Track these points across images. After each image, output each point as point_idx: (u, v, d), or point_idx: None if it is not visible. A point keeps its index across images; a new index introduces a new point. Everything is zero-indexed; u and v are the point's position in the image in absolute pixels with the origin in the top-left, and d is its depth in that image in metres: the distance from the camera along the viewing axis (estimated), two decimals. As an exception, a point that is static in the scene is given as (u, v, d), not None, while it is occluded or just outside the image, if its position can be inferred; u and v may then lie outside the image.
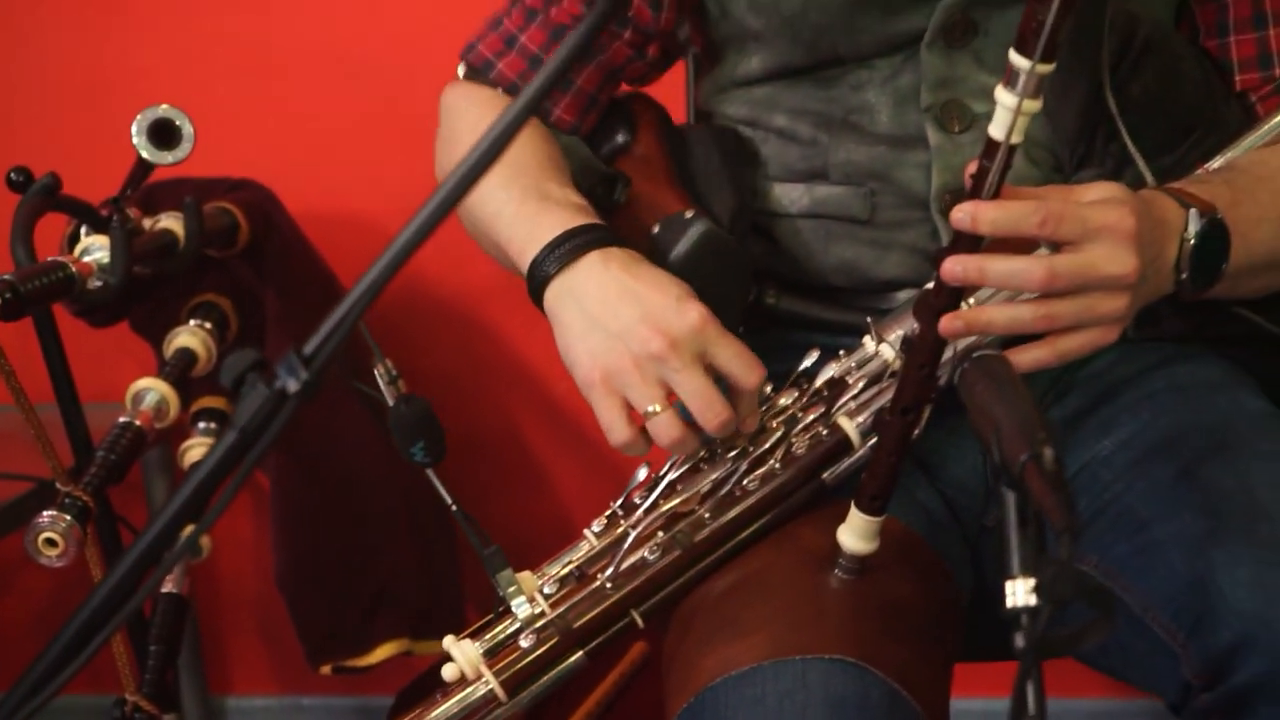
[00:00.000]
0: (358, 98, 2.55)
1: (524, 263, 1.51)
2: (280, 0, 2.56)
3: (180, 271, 2.05)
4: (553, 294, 1.48)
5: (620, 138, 1.69)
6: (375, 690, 2.73)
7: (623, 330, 1.42)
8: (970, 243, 1.32)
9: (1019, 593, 1.11)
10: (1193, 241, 1.38)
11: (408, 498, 2.32)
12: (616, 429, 1.44)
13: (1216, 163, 1.50)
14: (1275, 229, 1.45)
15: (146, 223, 2.03)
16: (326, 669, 2.29)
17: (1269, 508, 1.36)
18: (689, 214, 1.56)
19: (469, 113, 1.70)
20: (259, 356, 1.05)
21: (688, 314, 1.41)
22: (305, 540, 2.29)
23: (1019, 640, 1.02)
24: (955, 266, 1.30)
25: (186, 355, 2.16)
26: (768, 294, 1.62)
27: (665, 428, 1.42)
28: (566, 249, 1.48)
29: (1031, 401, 1.15)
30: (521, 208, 1.55)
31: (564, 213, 1.52)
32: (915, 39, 1.57)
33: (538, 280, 1.49)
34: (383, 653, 2.29)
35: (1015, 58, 1.23)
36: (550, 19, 1.70)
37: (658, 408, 1.42)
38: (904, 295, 1.60)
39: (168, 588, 2.05)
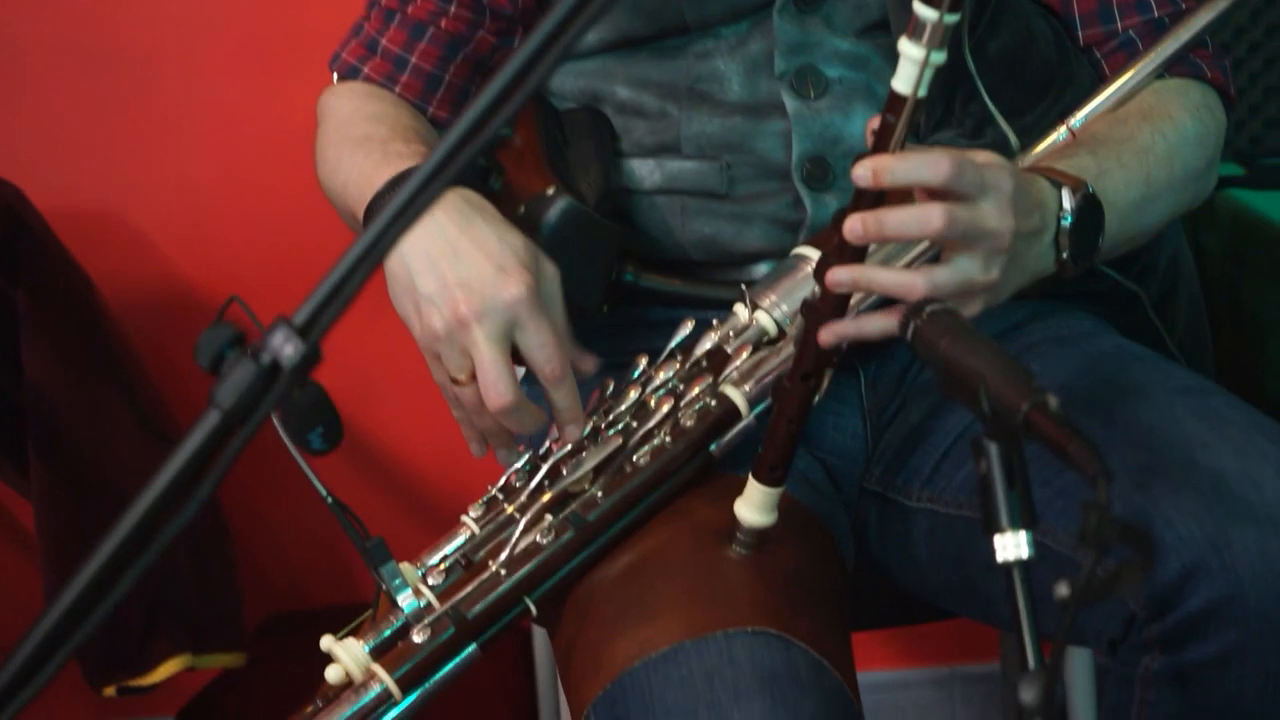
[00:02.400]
0: (103, 91, 2.42)
1: (360, 212, 1.47)
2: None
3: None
4: None
5: (501, 130, 1.63)
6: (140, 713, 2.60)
7: (437, 293, 1.39)
8: (870, 200, 1.30)
9: (1009, 547, 1.12)
10: (1069, 220, 1.38)
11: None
12: (446, 393, 1.43)
13: (1076, 119, 1.51)
14: (1142, 190, 1.47)
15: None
16: (110, 690, 2.15)
17: (1203, 436, 1.35)
18: (550, 191, 1.52)
19: (344, 104, 1.65)
20: (237, 331, 0.97)
21: (506, 287, 1.38)
22: (76, 555, 2.15)
23: (1062, 589, 0.99)
24: (855, 224, 1.28)
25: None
26: (627, 270, 1.58)
27: (462, 401, 1.41)
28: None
29: (1005, 352, 1.14)
30: (364, 167, 1.51)
31: (405, 163, 1.48)
32: (764, 4, 1.55)
33: (367, 216, 1.45)
34: (166, 670, 2.16)
35: (921, 8, 1.21)
36: (408, 17, 1.65)
37: (461, 378, 1.40)
38: (764, 267, 1.57)
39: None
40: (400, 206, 0.98)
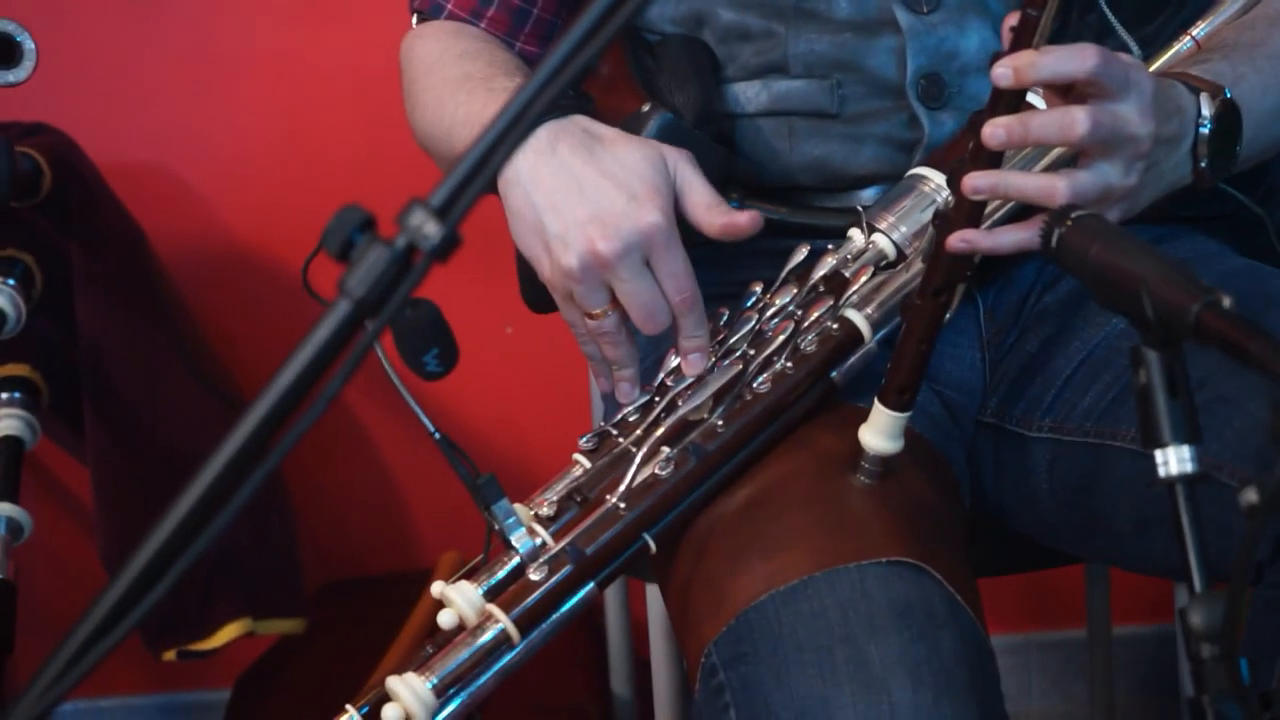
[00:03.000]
0: (157, 40, 2.35)
1: None
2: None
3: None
4: (504, 180, 1.38)
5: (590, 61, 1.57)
6: (175, 688, 2.53)
7: (569, 229, 1.33)
8: (1008, 103, 1.24)
9: (1172, 462, 1.06)
10: (1208, 127, 1.33)
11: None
12: (577, 330, 1.38)
13: (1200, 29, 1.45)
14: (1278, 97, 1.41)
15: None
16: (170, 655, 2.09)
17: None
18: (645, 108, 1.46)
19: (432, 46, 1.59)
20: (367, 214, 0.90)
21: (641, 216, 1.32)
22: (132, 516, 2.09)
23: (1250, 494, 0.93)
24: (998, 129, 1.23)
25: (-8, 316, 1.94)
26: (730, 198, 1.51)
27: (605, 332, 1.36)
28: None
29: (1163, 254, 1.08)
30: (471, 107, 1.46)
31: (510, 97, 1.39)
32: None
33: None
34: (226, 634, 2.11)
35: None
36: None
37: (602, 309, 1.35)
38: (874, 192, 1.51)
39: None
40: (541, 84, 0.92)
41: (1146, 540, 1.37)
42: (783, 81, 1.51)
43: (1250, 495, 0.95)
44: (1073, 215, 1.16)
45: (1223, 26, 1.45)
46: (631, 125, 1.43)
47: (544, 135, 1.36)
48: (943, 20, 1.48)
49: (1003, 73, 1.22)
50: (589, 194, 1.33)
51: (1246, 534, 0.95)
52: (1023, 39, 1.23)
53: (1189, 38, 1.45)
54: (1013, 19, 1.23)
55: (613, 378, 1.39)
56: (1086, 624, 2.16)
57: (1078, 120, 1.24)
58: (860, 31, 1.49)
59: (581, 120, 1.38)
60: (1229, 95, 1.33)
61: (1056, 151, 1.33)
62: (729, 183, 1.51)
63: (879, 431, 1.32)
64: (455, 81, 1.50)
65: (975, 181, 1.24)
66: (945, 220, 1.27)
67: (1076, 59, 1.23)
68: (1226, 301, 1.02)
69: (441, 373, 1.24)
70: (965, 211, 1.26)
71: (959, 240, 1.26)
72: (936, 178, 1.40)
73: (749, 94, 1.52)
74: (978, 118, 1.25)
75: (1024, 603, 2.48)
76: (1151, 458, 1.07)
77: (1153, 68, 1.43)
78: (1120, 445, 1.38)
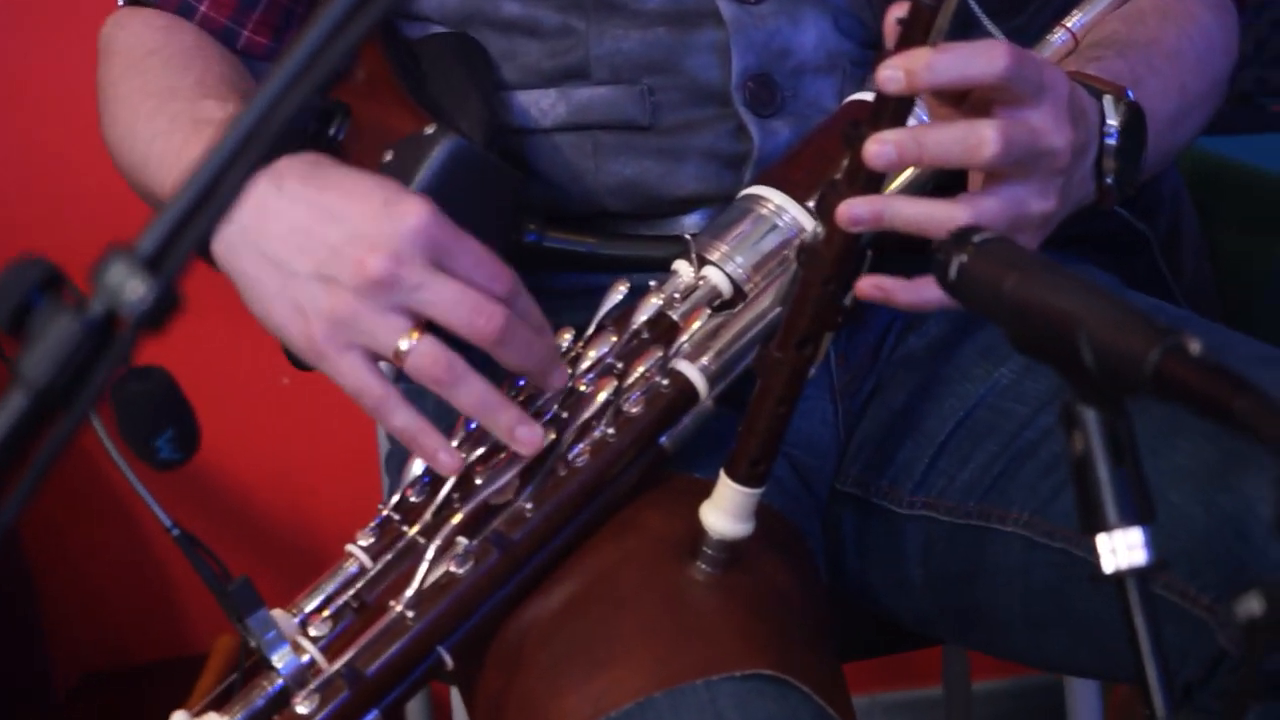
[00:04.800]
0: None
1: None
2: None
3: None
4: (224, 246, 1.11)
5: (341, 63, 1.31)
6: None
7: (327, 263, 1.06)
8: (897, 114, 1.02)
9: (1120, 550, 0.84)
10: (1115, 138, 1.12)
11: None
12: (371, 392, 1.07)
13: (1075, 20, 1.24)
14: (1178, 102, 1.23)
15: None
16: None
17: None
18: (429, 130, 1.20)
19: (134, 42, 1.32)
20: (49, 268, 0.64)
21: (405, 217, 1.05)
22: None
23: (1251, 604, 0.72)
24: (885, 147, 1.00)
25: None
26: (527, 228, 1.27)
27: (431, 359, 1.05)
28: None
29: (1099, 284, 0.86)
30: (169, 142, 1.20)
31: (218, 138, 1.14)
32: None
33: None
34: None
35: None
36: None
37: (413, 340, 1.05)
38: (699, 217, 1.28)
39: None
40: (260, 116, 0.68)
41: (1042, 637, 1.17)
42: (584, 89, 1.27)
43: (1251, 605, 0.74)
44: (976, 239, 0.93)
45: (1103, 17, 1.25)
46: (412, 152, 1.18)
47: (262, 181, 1.09)
48: (773, 11, 1.26)
49: (891, 75, 0.99)
50: (337, 216, 1.07)
51: (1247, 654, 0.73)
52: (914, 34, 1.00)
53: (1064, 30, 1.24)
54: (900, 9, 1.01)
55: (504, 429, 1.08)
56: (943, 682, 1.99)
57: (987, 138, 1.02)
58: (676, 26, 1.26)
59: (303, 155, 1.13)
60: (1133, 99, 1.13)
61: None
62: (525, 211, 1.27)
63: (726, 511, 1.09)
64: (156, 97, 1.25)
65: (854, 210, 1.01)
66: (812, 256, 1.04)
67: (983, 59, 1.01)
68: (1195, 346, 0.80)
69: (178, 460, 0.99)
70: (838, 246, 1.03)
71: (873, 288, 1.04)
72: (775, 197, 1.18)
73: (543, 105, 1.28)
74: (852, 131, 1.02)
75: (870, 660, 2.29)
76: (1085, 546, 0.85)
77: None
78: (1010, 530, 1.19)
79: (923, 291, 1.04)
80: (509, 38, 1.29)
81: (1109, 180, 1.12)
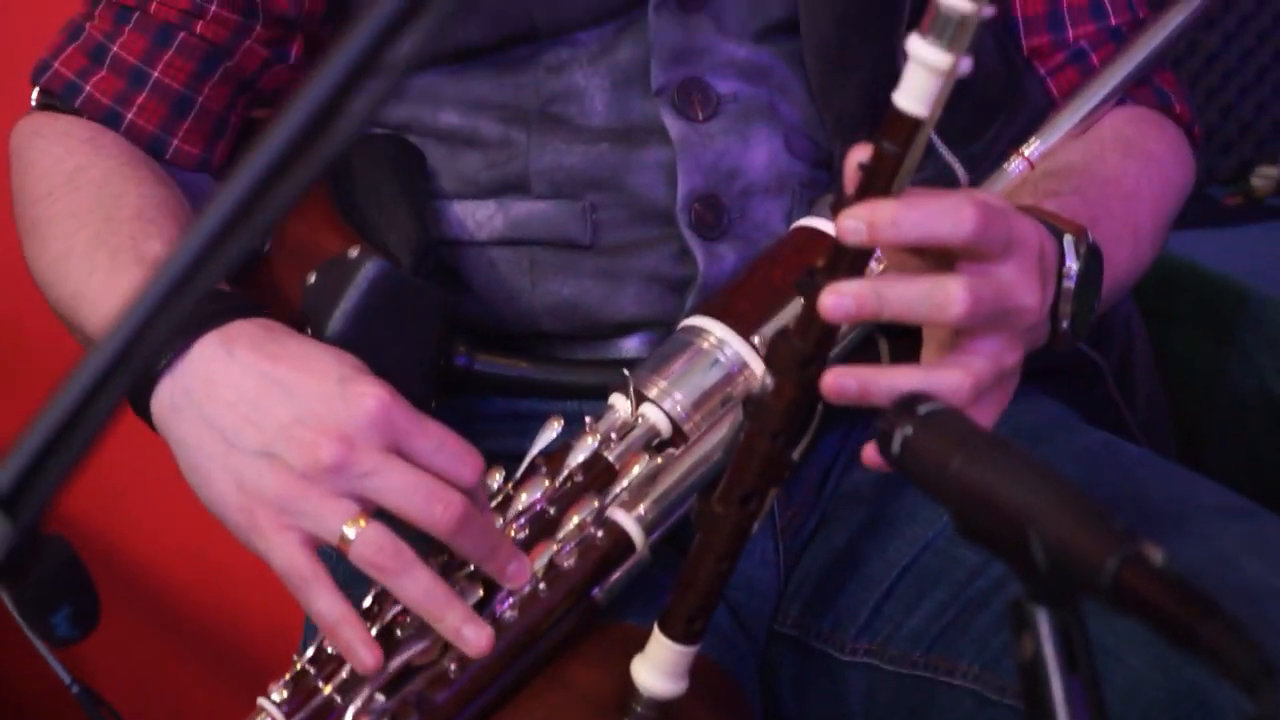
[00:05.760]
0: None
1: None
2: None
3: None
4: (163, 403, 1.07)
5: None
6: None
7: (275, 441, 1.02)
8: (854, 263, 0.96)
9: None
10: (1074, 283, 1.07)
11: None
12: (299, 572, 1.02)
13: (1033, 149, 1.20)
14: (1132, 246, 1.20)
15: None
16: None
17: (1270, 581, 1.06)
18: (353, 252, 1.16)
19: (62, 156, 1.25)
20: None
21: (361, 400, 1.01)
22: None
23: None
24: (843, 300, 0.94)
25: None
26: (457, 350, 1.21)
27: (375, 547, 1.00)
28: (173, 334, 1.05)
29: (1055, 471, 0.81)
30: (110, 279, 1.15)
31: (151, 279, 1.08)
32: (635, 2, 1.22)
33: (141, 388, 1.07)
34: None
35: None
36: (151, 18, 1.27)
37: (359, 527, 1.00)
38: (638, 341, 1.24)
39: None
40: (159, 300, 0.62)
41: None
42: (523, 202, 1.24)
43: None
44: (921, 410, 0.88)
45: (1062, 145, 1.21)
46: (336, 276, 1.14)
47: (213, 341, 1.06)
48: (722, 130, 1.22)
49: (854, 227, 0.93)
50: (289, 391, 1.03)
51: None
52: (876, 181, 0.94)
53: (1021, 158, 1.20)
54: (862, 152, 0.95)
55: (450, 629, 1.02)
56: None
57: (954, 296, 0.96)
58: (621, 142, 1.22)
59: (255, 319, 1.08)
60: (1093, 241, 1.08)
61: None
62: (454, 332, 1.22)
63: (659, 668, 1.05)
64: (92, 227, 1.19)
65: (843, 382, 0.96)
66: (760, 408, 0.98)
67: (950, 219, 0.95)
68: (1158, 556, 0.76)
69: (76, 637, 0.92)
70: (788, 398, 0.98)
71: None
72: (717, 330, 1.13)
73: (479, 216, 1.24)
74: (806, 280, 0.96)
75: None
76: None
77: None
78: (959, 683, 1.14)
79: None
80: (447, 146, 1.26)
81: (1065, 325, 1.08)
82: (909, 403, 0.89)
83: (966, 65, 0.90)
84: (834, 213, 0.94)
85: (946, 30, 0.89)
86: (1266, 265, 1.81)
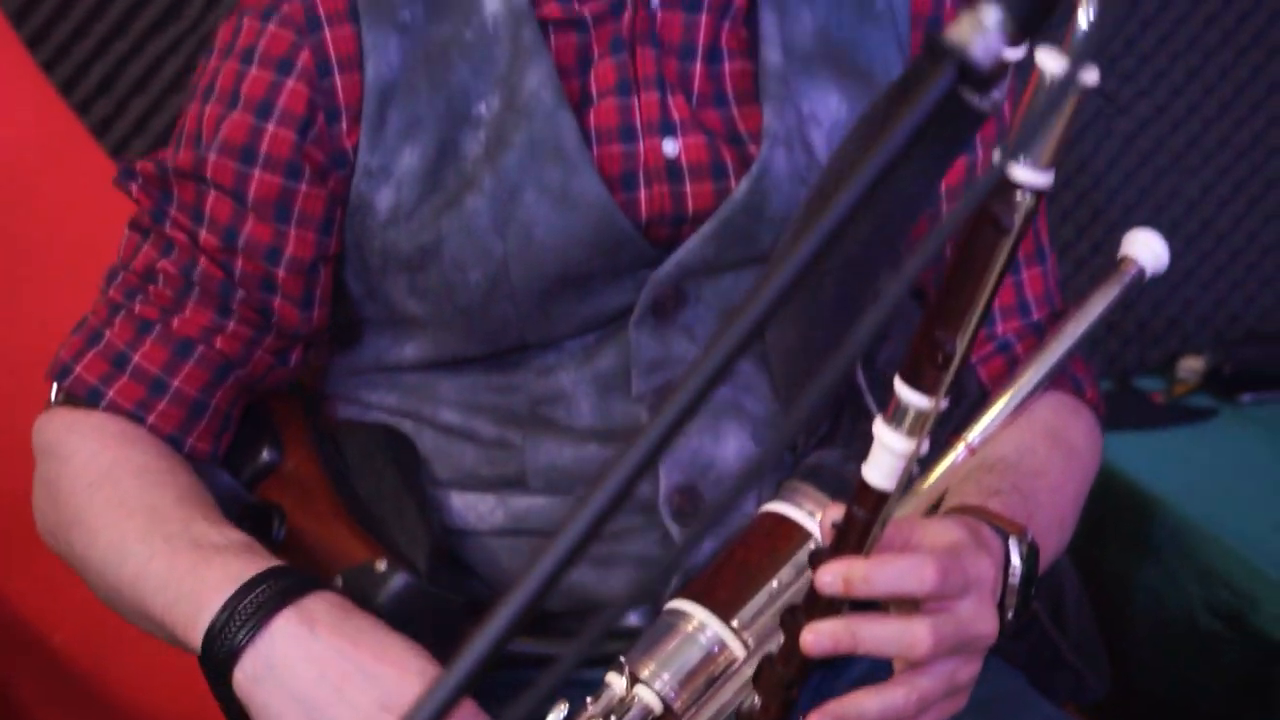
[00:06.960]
0: None
1: (195, 637, 1.21)
2: None
3: None
4: (247, 675, 1.19)
5: (265, 455, 1.39)
6: None
7: None
8: (830, 605, 1.11)
9: None
10: (1018, 580, 1.21)
11: None
12: None
13: (973, 434, 1.33)
14: (1058, 536, 1.34)
15: None
16: None
17: None
18: (381, 565, 1.29)
19: (98, 452, 1.35)
20: None
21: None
22: None
23: None
24: (820, 638, 1.10)
25: None
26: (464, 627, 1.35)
27: None
28: (251, 609, 1.19)
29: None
30: (173, 563, 1.25)
31: (231, 560, 1.24)
32: (617, 316, 1.35)
33: (220, 658, 1.20)
34: None
35: (907, 394, 1.02)
36: (172, 333, 1.36)
37: None
38: (629, 616, 1.37)
39: None
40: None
41: None
42: (523, 498, 1.37)
43: None
44: None
45: (999, 434, 1.34)
46: (362, 583, 1.27)
47: (293, 619, 1.19)
48: (696, 428, 1.35)
49: (831, 581, 1.08)
50: (371, 676, 1.17)
51: None
52: (849, 540, 1.09)
53: (963, 444, 1.33)
54: (835, 512, 1.10)
55: None
56: None
57: (920, 639, 1.11)
58: (606, 441, 1.36)
59: (327, 595, 1.21)
60: (1032, 539, 1.23)
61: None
62: (467, 614, 1.35)
63: None
64: (141, 515, 1.29)
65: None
66: None
67: (915, 577, 1.10)
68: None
69: None
70: (773, 715, 1.14)
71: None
72: (698, 614, 1.26)
73: (481, 509, 1.37)
74: (788, 617, 1.12)
75: None
76: None
77: (929, 480, 1.31)
78: None
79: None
80: (447, 439, 1.37)
81: (1010, 615, 1.21)
82: None
83: (926, 447, 1.04)
84: (812, 566, 1.09)
85: (905, 419, 1.03)
86: (1198, 479, 1.86)
